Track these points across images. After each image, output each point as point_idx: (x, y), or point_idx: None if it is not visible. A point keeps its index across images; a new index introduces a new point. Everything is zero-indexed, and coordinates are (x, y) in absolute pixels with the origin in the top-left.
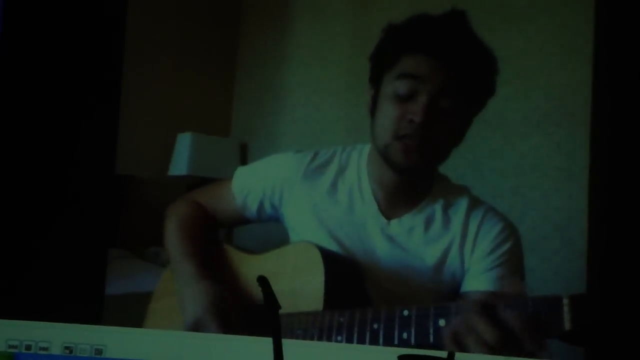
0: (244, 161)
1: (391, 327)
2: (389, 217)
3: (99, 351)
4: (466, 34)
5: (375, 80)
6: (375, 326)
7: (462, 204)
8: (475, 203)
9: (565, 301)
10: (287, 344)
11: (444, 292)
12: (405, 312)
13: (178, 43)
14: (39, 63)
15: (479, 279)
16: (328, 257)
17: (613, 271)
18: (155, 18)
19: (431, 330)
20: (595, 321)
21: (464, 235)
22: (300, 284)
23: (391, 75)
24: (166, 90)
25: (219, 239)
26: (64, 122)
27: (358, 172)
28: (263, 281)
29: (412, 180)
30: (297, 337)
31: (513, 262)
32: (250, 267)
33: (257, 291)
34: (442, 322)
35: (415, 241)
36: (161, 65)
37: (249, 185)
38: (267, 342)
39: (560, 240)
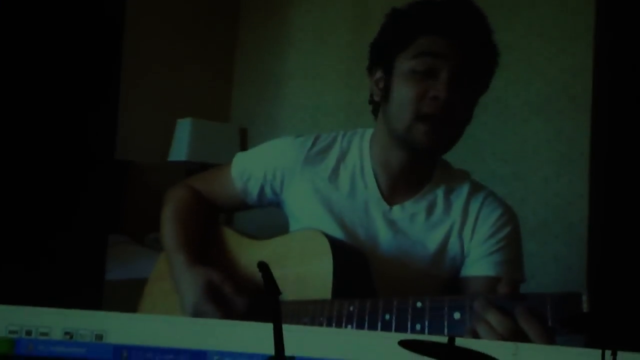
0: (244, 146)
1: (404, 319)
2: (391, 203)
3: (99, 336)
4: (478, 18)
5: (385, 64)
6: (387, 317)
7: (464, 189)
8: (476, 188)
9: (584, 298)
10: (293, 330)
11: (444, 277)
12: (419, 304)
13: (178, 29)
14: (39, 49)
15: (478, 264)
16: (336, 245)
17: (613, 256)
18: (155, 4)
19: (446, 324)
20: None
21: (464, 220)
22: (307, 271)
23: (406, 56)
24: (166, 76)
25: (218, 224)
26: (65, 109)
27: (360, 156)
28: (263, 267)
29: (418, 165)
30: (304, 325)
31: (512, 247)
32: (254, 253)
33: (260, 277)
34: (457, 315)
35: (418, 227)
36: (161, 51)
37: (250, 170)
38: (268, 328)
39: (560, 225)
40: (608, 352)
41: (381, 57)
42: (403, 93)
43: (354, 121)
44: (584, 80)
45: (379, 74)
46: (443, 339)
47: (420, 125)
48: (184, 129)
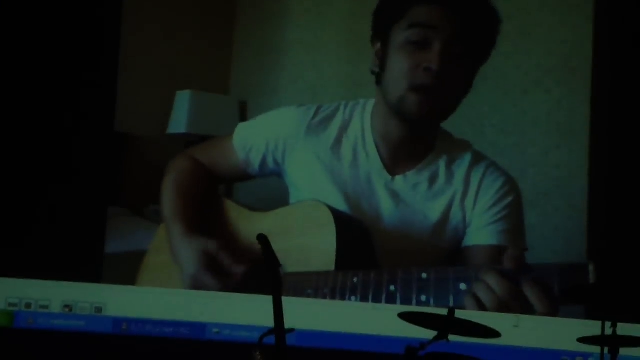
0: (243, 119)
1: (409, 290)
2: (393, 174)
3: (98, 309)
4: None
5: (382, 34)
6: (392, 288)
7: (466, 158)
8: (478, 158)
9: (591, 268)
10: (293, 302)
11: (446, 247)
12: (424, 275)
13: (177, 1)
14: (37, 21)
15: (480, 233)
16: (338, 216)
17: (613, 227)
18: None
19: (451, 295)
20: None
21: (465, 190)
22: (309, 243)
23: (401, 26)
24: (165, 47)
25: (218, 194)
26: (63, 81)
27: (362, 127)
28: (263, 239)
29: (418, 135)
30: (307, 297)
31: (514, 216)
32: (254, 225)
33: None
34: (462, 286)
35: (420, 197)
36: (160, 23)
37: (252, 140)
38: (268, 300)
39: (560, 196)
40: (608, 324)
41: (380, 27)
42: (397, 64)
43: (354, 93)
44: (584, 51)
45: (378, 45)
46: (446, 312)
47: (413, 96)
48: (183, 101)
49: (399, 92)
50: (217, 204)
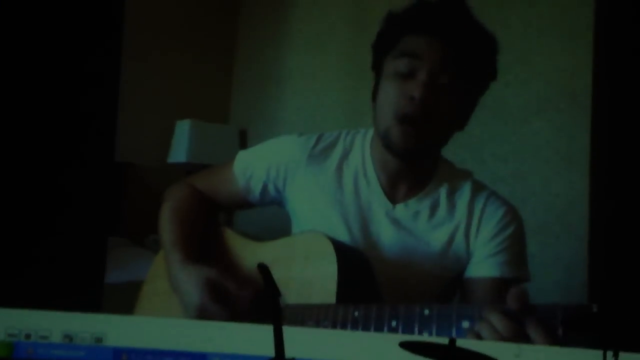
0: (243, 147)
1: (411, 326)
2: (394, 202)
3: (99, 339)
4: (464, 13)
5: (377, 66)
6: (394, 323)
7: (466, 188)
8: (478, 187)
9: (595, 309)
10: (294, 331)
11: (449, 276)
12: (426, 311)
13: (177, 30)
14: (36, 47)
15: (482, 265)
16: (339, 247)
17: (614, 257)
18: (155, 4)
19: (454, 332)
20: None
21: (468, 220)
22: (310, 274)
23: (392, 56)
24: (165, 77)
25: (218, 223)
26: (63, 110)
27: (362, 155)
28: (263, 268)
29: (414, 164)
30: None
31: (516, 247)
32: (255, 255)
33: (261, 278)
34: (465, 324)
35: (421, 225)
36: (160, 52)
37: (253, 167)
38: (269, 330)
39: (560, 225)
40: (610, 353)
41: (375, 58)
42: (385, 94)
43: (355, 121)
44: (584, 79)
45: (374, 77)
46: (444, 341)
47: (398, 127)
48: (183, 130)
49: (386, 122)
50: (216, 232)
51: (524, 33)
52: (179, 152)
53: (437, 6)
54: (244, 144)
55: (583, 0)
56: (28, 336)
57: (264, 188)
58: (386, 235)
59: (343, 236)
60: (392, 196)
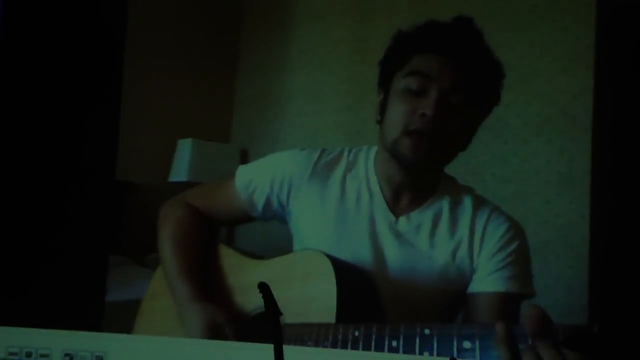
0: None
1: (411, 346)
2: (397, 215)
3: (99, 358)
4: (475, 37)
5: (385, 83)
6: (395, 343)
7: (467, 202)
8: (480, 202)
9: (596, 330)
10: (294, 351)
11: (453, 290)
12: (427, 331)
13: (178, 48)
14: (39, 69)
15: (487, 280)
16: (339, 266)
17: (615, 277)
18: (156, 24)
19: (455, 351)
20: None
21: (471, 236)
22: (309, 293)
23: (401, 74)
24: (167, 96)
25: (218, 240)
26: (64, 129)
27: (366, 170)
28: (264, 288)
29: (418, 177)
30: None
31: (521, 261)
32: (255, 273)
33: (260, 297)
34: (467, 344)
35: (423, 238)
36: (162, 71)
37: (256, 180)
38: (269, 349)
39: (561, 245)
40: None
41: (383, 76)
42: (394, 109)
43: (355, 141)
44: (585, 100)
45: (381, 95)
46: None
47: (406, 140)
48: (184, 149)
49: (394, 135)
50: (216, 250)
51: (525, 54)
52: (180, 171)
53: (448, 27)
54: (244, 163)
55: (584, 22)
56: (29, 355)
57: (267, 201)
58: (389, 249)
59: (346, 250)
60: (395, 209)
